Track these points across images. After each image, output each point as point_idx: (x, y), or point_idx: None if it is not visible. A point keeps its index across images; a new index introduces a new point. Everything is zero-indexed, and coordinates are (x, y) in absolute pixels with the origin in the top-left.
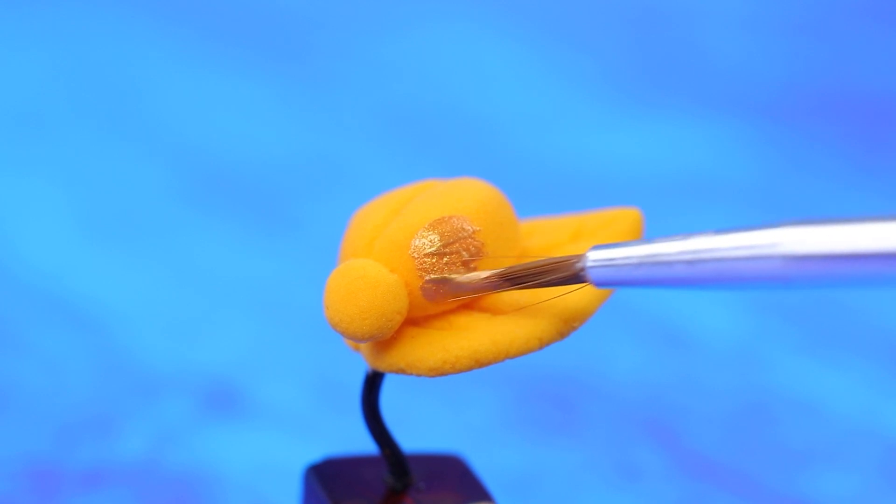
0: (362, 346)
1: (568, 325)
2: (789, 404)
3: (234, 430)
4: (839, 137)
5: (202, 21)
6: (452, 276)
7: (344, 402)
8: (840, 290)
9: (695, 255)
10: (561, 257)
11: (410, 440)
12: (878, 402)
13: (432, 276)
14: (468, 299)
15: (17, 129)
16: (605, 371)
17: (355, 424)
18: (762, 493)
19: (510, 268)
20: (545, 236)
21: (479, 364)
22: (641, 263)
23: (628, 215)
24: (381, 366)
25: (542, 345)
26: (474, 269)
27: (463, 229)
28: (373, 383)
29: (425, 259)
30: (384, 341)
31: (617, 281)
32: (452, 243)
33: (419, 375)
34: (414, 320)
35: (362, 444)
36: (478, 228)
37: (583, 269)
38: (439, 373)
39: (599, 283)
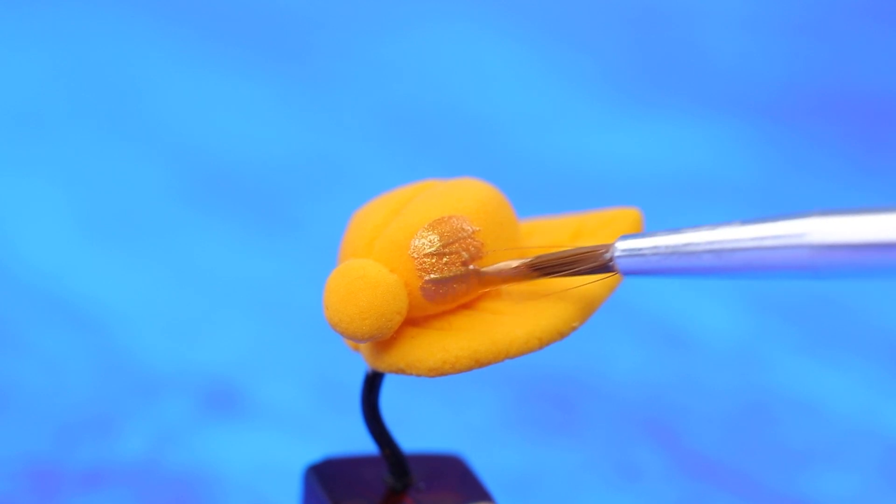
0: (362, 346)
1: (568, 325)
2: (789, 404)
3: (234, 430)
4: (839, 137)
5: (202, 21)
6: (483, 268)
7: (344, 402)
8: (867, 280)
9: (722, 245)
10: (590, 247)
11: (410, 440)
12: (878, 402)
13: (432, 277)
14: (468, 300)
15: (17, 129)
16: (605, 371)
17: (355, 424)
18: (762, 493)
19: (539, 257)
20: (545, 236)
21: (479, 364)
22: (670, 254)
23: (628, 215)
24: (380, 366)
25: (542, 345)
26: (474, 269)
27: (463, 229)
28: (373, 383)
29: (425, 259)
30: (384, 341)
31: (644, 270)
32: (452, 243)
33: (419, 375)
34: (414, 320)
35: (362, 444)
36: (478, 228)
37: (611, 259)
38: (439, 373)
39: (627, 273)
